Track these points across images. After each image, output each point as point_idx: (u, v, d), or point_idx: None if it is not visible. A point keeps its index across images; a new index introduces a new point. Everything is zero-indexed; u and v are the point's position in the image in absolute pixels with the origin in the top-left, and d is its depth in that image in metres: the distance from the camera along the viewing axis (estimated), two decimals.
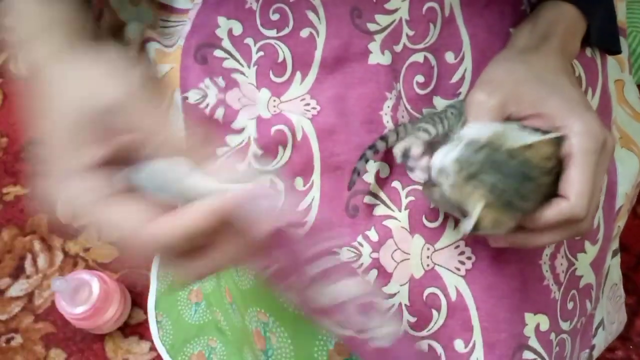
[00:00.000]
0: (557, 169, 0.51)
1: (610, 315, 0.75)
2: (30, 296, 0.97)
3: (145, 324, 0.95)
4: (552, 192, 0.51)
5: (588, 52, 0.66)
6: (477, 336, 0.60)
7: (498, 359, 0.60)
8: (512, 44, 0.61)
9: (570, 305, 0.65)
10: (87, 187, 0.40)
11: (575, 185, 0.50)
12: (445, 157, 0.51)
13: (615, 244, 0.72)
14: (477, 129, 0.52)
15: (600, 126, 0.52)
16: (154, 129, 0.41)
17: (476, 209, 0.48)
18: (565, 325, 0.64)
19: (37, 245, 1.01)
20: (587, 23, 0.62)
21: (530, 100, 0.54)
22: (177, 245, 0.38)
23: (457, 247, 0.60)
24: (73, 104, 0.41)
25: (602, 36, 0.65)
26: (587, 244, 0.66)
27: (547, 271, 0.62)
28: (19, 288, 0.98)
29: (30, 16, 0.47)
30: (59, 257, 1.00)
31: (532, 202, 0.50)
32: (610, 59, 0.69)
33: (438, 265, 0.60)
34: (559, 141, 0.51)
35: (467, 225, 0.49)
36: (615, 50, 0.68)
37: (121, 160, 0.41)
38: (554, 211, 0.51)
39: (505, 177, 0.49)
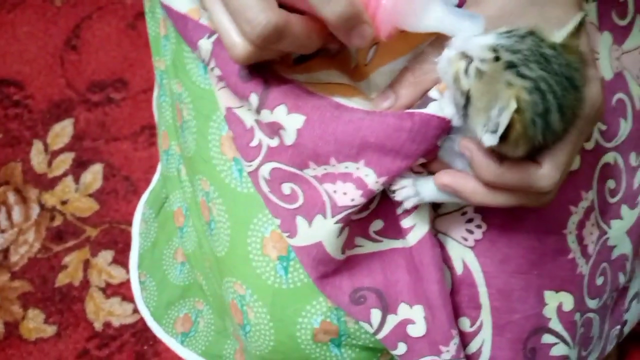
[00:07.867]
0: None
1: None
2: (5, 252, 0.90)
3: (127, 284, 0.88)
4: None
5: None
6: (486, 315, 0.54)
7: (508, 343, 0.54)
8: None
9: (599, 281, 0.57)
10: None
11: (556, 153, 0.43)
12: (468, 42, 0.40)
13: None
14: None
15: (601, 90, 0.45)
16: None
17: (509, 107, 0.38)
18: (592, 304, 0.57)
19: (11, 197, 0.94)
20: None
21: None
22: None
23: (465, 213, 0.52)
24: None
25: None
26: (625, 209, 0.58)
27: (573, 242, 0.54)
28: None
29: None
30: (35, 210, 0.93)
31: (564, 122, 0.41)
32: None
33: (441, 233, 0.53)
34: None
35: (491, 137, 0.39)
36: None
37: None
38: (518, 174, 0.42)
39: (553, 76, 0.39)
